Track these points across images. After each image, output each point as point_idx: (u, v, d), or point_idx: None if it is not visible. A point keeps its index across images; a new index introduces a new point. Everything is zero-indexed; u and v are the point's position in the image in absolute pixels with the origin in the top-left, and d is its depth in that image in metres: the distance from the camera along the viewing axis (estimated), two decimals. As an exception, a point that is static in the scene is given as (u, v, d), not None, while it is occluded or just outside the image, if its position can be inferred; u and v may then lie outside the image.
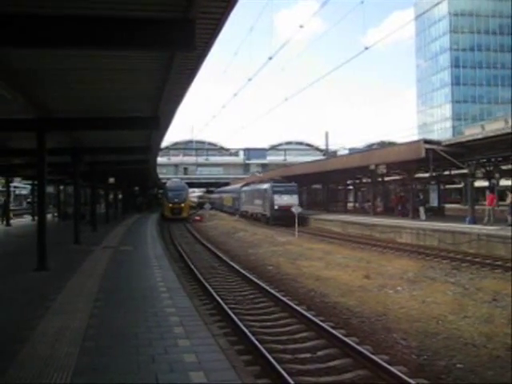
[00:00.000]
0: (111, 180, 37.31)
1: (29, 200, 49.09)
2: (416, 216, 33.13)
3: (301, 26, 23.89)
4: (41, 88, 12.35)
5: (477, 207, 29.91)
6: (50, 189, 43.82)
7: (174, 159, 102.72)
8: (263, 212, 44.56)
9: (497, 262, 18.85)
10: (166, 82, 11.58)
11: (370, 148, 70.92)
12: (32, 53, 9.45)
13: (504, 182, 38.12)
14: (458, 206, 46.69)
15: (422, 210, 33.15)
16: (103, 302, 9.79)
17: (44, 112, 14.50)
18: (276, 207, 41.06)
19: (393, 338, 9.53)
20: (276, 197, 41.47)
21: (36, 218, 14.91)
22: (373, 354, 8.19)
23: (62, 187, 47.85)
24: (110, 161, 30.55)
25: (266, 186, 44.75)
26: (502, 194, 35.38)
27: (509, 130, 23.39)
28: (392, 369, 7.32)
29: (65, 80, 11.80)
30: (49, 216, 38.06)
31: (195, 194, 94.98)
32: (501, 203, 33.13)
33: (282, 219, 39.19)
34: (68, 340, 7.13)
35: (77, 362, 6.18)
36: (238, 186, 66.14)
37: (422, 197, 36.37)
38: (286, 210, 37.06)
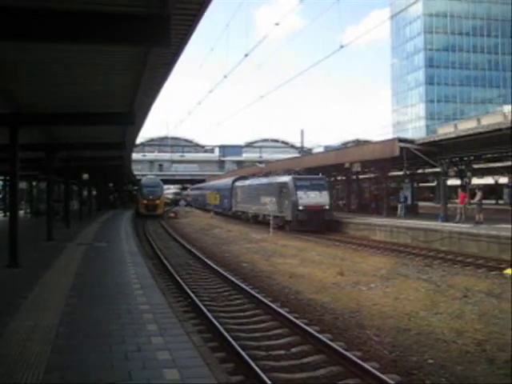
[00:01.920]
0: (85, 176, 36.92)
1: (0, 196, 48.13)
2: (390, 214, 33.49)
3: (276, 24, 23.84)
4: (14, 82, 12.16)
5: (449, 205, 30.33)
6: (22, 184, 43.15)
7: (149, 155, 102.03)
8: (278, 213, 33.45)
9: (468, 260, 19.19)
10: (141, 78, 11.49)
11: (345, 146, 71.32)
12: (5, 46, 9.29)
13: (476, 181, 38.72)
14: (430, 204, 47.34)
15: (400, 207, 33.45)
16: (76, 299, 9.70)
17: (17, 107, 14.28)
18: (300, 207, 31.06)
19: (366, 334, 9.62)
20: (300, 194, 31.50)
21: (8, 214, 14.71)
22: (346, 350, 8.26)
23: (34, 183, 47.17)
24: (84, 157, 30.25)
25: (283, 179, 34.23)
26: (473, 192, 35.94)
27: (481, 130, 23.79)
28: (365, 365, 7.40)
29: (39, 75, 11.63)
30: (21, 212, 37.53)
31: (170, 190, 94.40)
32: (472, 201, 33.64)
33: (310, 223, 30.98)
34: (40, 338, 7.05)
35: (49, 360, 6.12)
36: (226, 179, 57.64)
37: (403, 195, 35.94)
38: (314, 211, 30.91)
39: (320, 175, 34.90)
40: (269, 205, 35.57)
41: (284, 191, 33.03)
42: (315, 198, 31.74)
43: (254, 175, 46.00)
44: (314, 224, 31.05)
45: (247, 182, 44.73)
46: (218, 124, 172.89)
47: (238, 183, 47.86)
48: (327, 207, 31.61)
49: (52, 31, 7.75)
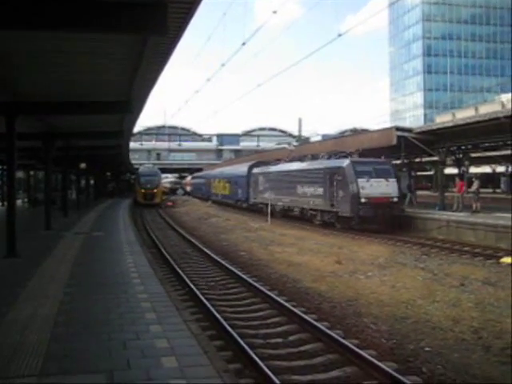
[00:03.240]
0: (83, 165, 36.83)
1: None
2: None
3: (274, 12, 23.72)
4: (10, 71, 12.09)
5: (446, 194, 30.37)
6: (19, 174, 43.07)
7: (147, 144, 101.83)
8: (327, 207, 26.72)
9: (465, 248, 19.25)
10: (138, 66, 11.44)
11: (342, 135, 71.28)
12: (2, 34, 9.23)
13: (473, 170, 38.75)
14: (427, 193, 47.40)
15: (409, 196, 32.36)
16: (74, 288, 9.72)
17: (14, 96, 14.21)
18: (363, 200, 24.24)
19: (363, 322, 9.67)
20: (362, 182, 24.60)
21: (5, 203, 14.72)
22: (343, 338, 8.31)
23: (32, 172, 47.09)
24: (81, 146, 30.18)
25: (335, 163, 27.03)
26: (471, 181, 36.01)
27: (479, 118, 23.77)
28: (362, 352, 7.44)
29: (36, 63, 11.56)
30: (19, 202, 37.50)
31: (168, 179, 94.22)
32: (470, 190, 33.71)
33: (375, 220, 24.49)
34: (39, 327, 7.07)
35: (48, 349, 6.14)
36: (239, 166, 50.12)
37: (408, 184, 34.05)
38: (380, 204, 24.35)
39: (382, 158, 27.48)
40: (311, 196, 28.55)
41: (338, 179, 25.57)
42: (381, 187, 24.96)
43: (278, 160, 38.46)
44: (381, 221, 24.52)
45: (273, 168, 36.86)
46: (216, 113, 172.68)
47: (258, 170, 40.14)
48: (395, 199, 25.13)
49: (50, 19, 7.70)
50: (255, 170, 40.94)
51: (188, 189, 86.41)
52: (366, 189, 24.59)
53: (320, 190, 27.60)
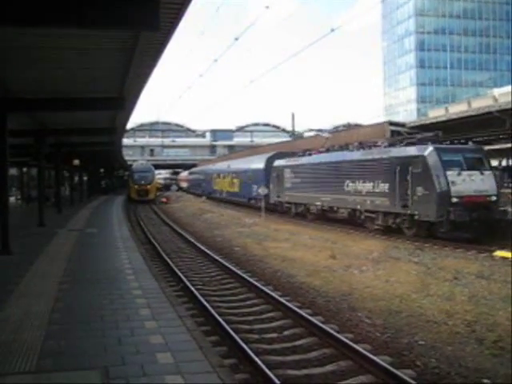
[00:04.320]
0: (76, 162, 36.76)
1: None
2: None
3: (267, 7, 23.70)
4: (1, 67, 12.02)
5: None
6: (12, 171, 42.89)
7: (140, 141, 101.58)
8: (396, 209, 20.74)
9: (458, 242, 19.25)
10: (130, 62, 11.40)
11: (336, 130, 71.34)
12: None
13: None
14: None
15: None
16: (68, 284, 9.71)
17: (5, 92, 14.14)
18: (454, 200, 18.56)
19: (358, 316, 9.70)
20: (452, 176, 18.93)
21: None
22: (338, 332, 8.34)
23: (25, 169, 46.91)
24: (74, 142, 30.10)
25: (409, 151, 20.68)
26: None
27: (471, 113, 23.88)
28: (356, 347, 7.47)
29: (27, 59, 11.49)
30: (12, 199, 37.36)
31: (162, 175, 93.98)
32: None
33: (471, 227, 18.93)
34: (33, 324, 7.06)
35: (42, 346, 6.14)
36: (252, 158, 43.61)
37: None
38: (477, 204, 18.77)
39: (471, 144, 21.59)
40: (369, 194, 22.67)
41: (415, 172, 19.66)
42: (475, 182, 19.31)
43: (306, 151, 32.11)
44: (478, 227, 18.96)
45: (306, 160, 30.35)
46: (209, 108, 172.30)
47: (282, 162, 33.46)
48: (494, 198, 19.45)
49: (41, 16, 7.65)
50: (277, 163, 34.04)
51: (184, 185, 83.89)
52: (458, 185, 18.92)
53: (383, 187, 21.59)
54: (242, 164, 44.27)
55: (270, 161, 36.03)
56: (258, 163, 38.64)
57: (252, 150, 62.08)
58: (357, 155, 24.62)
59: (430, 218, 19.10)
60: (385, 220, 21.86)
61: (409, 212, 20.05)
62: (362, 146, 25.26)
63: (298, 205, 30.36)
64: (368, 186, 22.72)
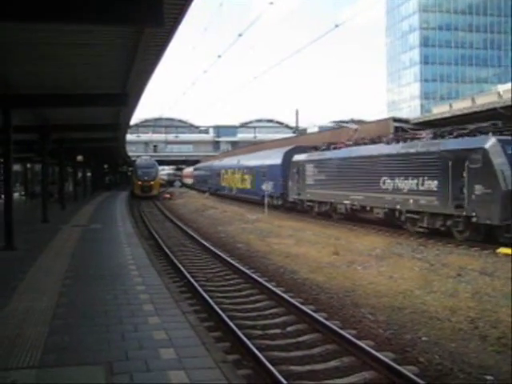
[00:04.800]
0: (79, 158, 36.83)
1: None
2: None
3: (271, 3, 23.60)
4: (5, 64, 12.04)
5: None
6: (16, 167, 42.99)
7: (144, 136, 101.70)
8: (447, 209, 18.26)
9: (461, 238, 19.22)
10: (134, 59, 11.39)
11: (339, 126, 71.12)
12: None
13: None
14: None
15: None
16: (72, 280, 9.74)
17: (10, 89, 14.17)
18: None
19: (361, 313, 9.71)
20: None
21: (2, 196, 14.79)
22: (341, 328, 8.34)
23: (29, 165, 47.00)
24: (78, 138, 30.13)
25: (465, 143, 18.23)
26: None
27: (476, 109, 23.82)
28: (359, 343, 7.47)
29: (30, 56, 11.50)
30: (16, 195, 37.46)
31: (165, 171, 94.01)
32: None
33: None
34: (37, 319, 7.09)
35: (46, 341, 6.16)
36: (266, 153, 40.89)
37: None
38: None
39: None
40: (412, 193, 20.11)
41: (473, 167, 17.30)
42: None
43: (329, 145, 29.43)
44: None
45: (332, 155, 27.54)
46: (213, 104, 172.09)
47: (303, 157, 30.78)
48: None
49: (44, 12, 7.65)
50: (297, 158, 31.41)
51: (189, 181, 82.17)
52: None
53: (431, 184, 19.07)
54: (255, 159, 41.50)
55: (288, 155, 33.24)
56: (274, 158, 35.76)
57: (263, 144, 60.37)
58: (396, 148, 21.84)
59: (491, 220, 16.69)
60: (431, 222, 19.29)
61: (464, 213, 17.56)
62: (399, 138, 22.98)
63: (322, 203, 27.78)
64: (411, 183, 20.15)
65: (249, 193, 40.33)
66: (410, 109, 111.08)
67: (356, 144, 26.27)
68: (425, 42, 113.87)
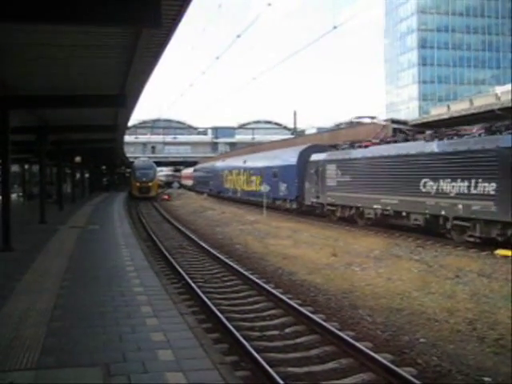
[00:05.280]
0: (78, 159, 36.80)
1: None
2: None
3: (269, 4, 23.63)
4: (3, 65, 12.02)
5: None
6: (14, 168, 42.95)
7: (142, 138, 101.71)
8: (509, 217, 15.46)
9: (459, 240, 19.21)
10: (132, 59, 11.39)
11: (338, 127, 71.20)
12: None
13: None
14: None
15: None
16: (70, 281, 9.72)
17: (7, 90, 14.15)
18: None
19: (359, 314, 9.70)
20: None
21: (0, 197, 14.80)
22: (339, 330, 8.33)
23: (26, 166, 46.95)
24: (76, 139, 30.13)
25: None
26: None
27: (473, 111, 23.85)
28: (358, 344, 7.47)
29: (28, 56, 11.49)
30: (14, 196, 37.42)
31: (163, 172, 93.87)
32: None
33: None
34: (34, 321, 7.07)
35: (44, 343, 6.14)
36: (275, 152, 38.82)
37: None
38: None
39: None
40: (461, 197, 17.28)
41: None
42: None
43: (353, 143, 26.92)
44: None
45: (357, 153, 24.66)
46: (211, 106, 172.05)
47: (323, 156, 27.86)
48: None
49: (42, 12, 7.64)
50: (316, 157, 28.56)
51: (188, 183, 79.83)
52: None
53: (487, 187, 16.37)
54: (264, 159, 38.60)
55: (304, 155, 30.30)
56: (287, 158, 32.87)
57: (262, 145, 58.91)
58: (441, 146, 18.92)
59: None
60: (486, 230, 16.61)
61: None
62: (441, 134, 20.09)
63: (346, 208, 25.12)
64: (460, 185, 17.41)
65: (256, 195, 37.46)
66: (409, 110, 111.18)
67: (385, 142, 23.95)
68: (423, 44, 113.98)
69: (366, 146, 24.50)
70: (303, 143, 35.36)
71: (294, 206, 30.70)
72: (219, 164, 54.59)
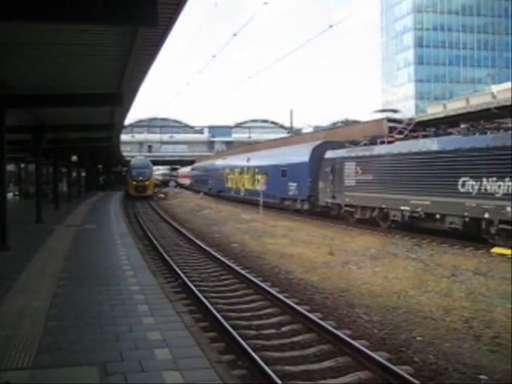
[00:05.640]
0: (74, 158, 36.72)
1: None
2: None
3: (265, 3, 23.61)
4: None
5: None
6: (10, 167, 42.84)
7: (138, 137, 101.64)
8: None
9: (456, 238, 19.24)
10: (128, 58, 11.36)
11: (334, 126, 71.21)
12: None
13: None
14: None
15: None
16: (66, 281, 9.72)
17: (3, 89, 14.11)
18: None
19: (355, 313, 9.71)
20: None
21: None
22: (336, 328, 8.34)
23: (23, 165, 46.84)
24: (72, 138, 30.06)
25: None
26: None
27: (470, 109, 23.89)
28: (354, 343, 7.48)
29: (24, 55, 11.45)
30: (10, 195, 37.35)
31: (160, 171, 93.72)
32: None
33: None
34: (31, 320, 7.06)
35: (40, 342, 6.14)
36: (283, 150, 36.87)
37: None
38: None
39: None
40: (506, 198, 15.66)
41: None
42: None
43: (373, 138, 24.66)
44: None
45: (381, 150, 22.62)
46: (207, 105, 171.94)
47: (340, 153, 25.97)
48: None
49: (37, 11, 7.62)
50: (331, 155, 26.64)
51: (185, 182, 78.15)
52: None
53: None
54: (271, 157, 36.34)
55: (317, 152, 28.25)
56: (298, 155, 30.55)
57: (259, 144, 57.56)
58: (484, 140, 16.94)
59: None
60: None
61: None
62: (480, 128, 18.15)
63: (366, 209, 23.25)
64: (509, 185, 15.54)
65: (265, 194, 34.12)
66: (405, 109, 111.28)
67: (412, 137, 21.91)
68: (419, 43, 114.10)
69: (390, 142, 22.70)
70: (306, 141, 34.59)
71: (306, 206, 28.94)
72: (219, 162, 52.45)
